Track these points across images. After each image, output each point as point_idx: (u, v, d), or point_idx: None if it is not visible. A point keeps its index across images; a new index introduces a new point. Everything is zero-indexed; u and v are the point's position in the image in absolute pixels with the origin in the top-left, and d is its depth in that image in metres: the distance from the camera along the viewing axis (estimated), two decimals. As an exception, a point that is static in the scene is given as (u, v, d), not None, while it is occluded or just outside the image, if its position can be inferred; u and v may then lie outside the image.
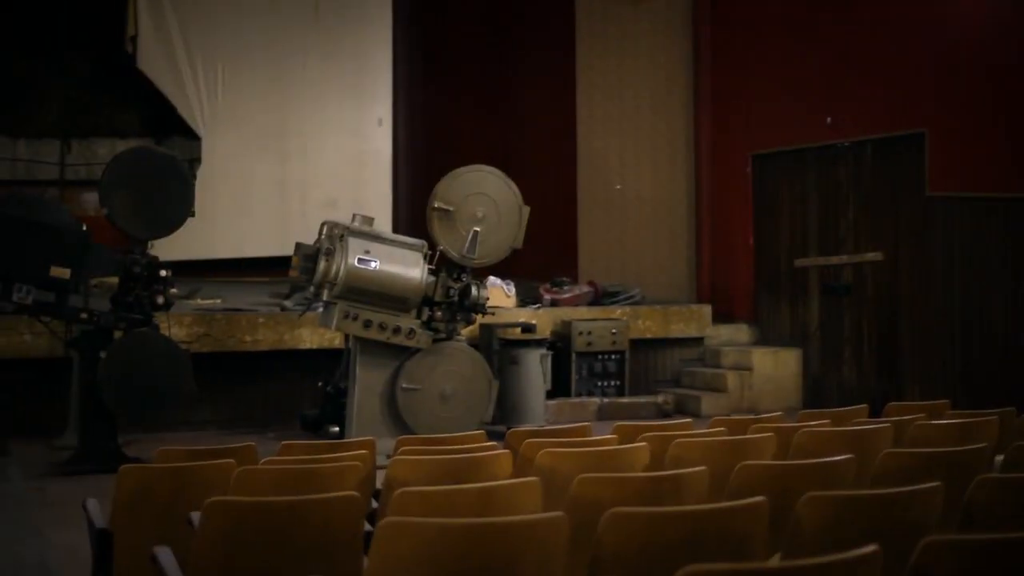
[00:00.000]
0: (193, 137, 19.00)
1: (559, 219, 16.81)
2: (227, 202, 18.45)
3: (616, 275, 16.97)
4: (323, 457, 6.14)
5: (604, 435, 7.22)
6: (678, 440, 6.32)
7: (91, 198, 18.79)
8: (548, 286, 15.54)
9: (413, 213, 19.28)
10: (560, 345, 14.16)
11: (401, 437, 7.32)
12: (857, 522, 4.40)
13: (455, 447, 6.61)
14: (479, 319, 12.06)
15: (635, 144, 17.38)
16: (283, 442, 6.98)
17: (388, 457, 7.31)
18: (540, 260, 15.30)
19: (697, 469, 5.32)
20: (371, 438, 7.09)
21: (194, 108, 18.92)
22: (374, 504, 6.09)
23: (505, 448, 6.71)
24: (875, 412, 8.69)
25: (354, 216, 11.41)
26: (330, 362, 12.91)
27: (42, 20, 18.95)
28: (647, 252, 17.24)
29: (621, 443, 6.76)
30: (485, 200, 11.71)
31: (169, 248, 11.40)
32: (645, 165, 17.32)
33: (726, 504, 4.26)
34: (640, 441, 6.44)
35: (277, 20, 19.46)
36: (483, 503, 4.82)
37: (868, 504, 4.48)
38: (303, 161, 19.59)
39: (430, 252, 11.48)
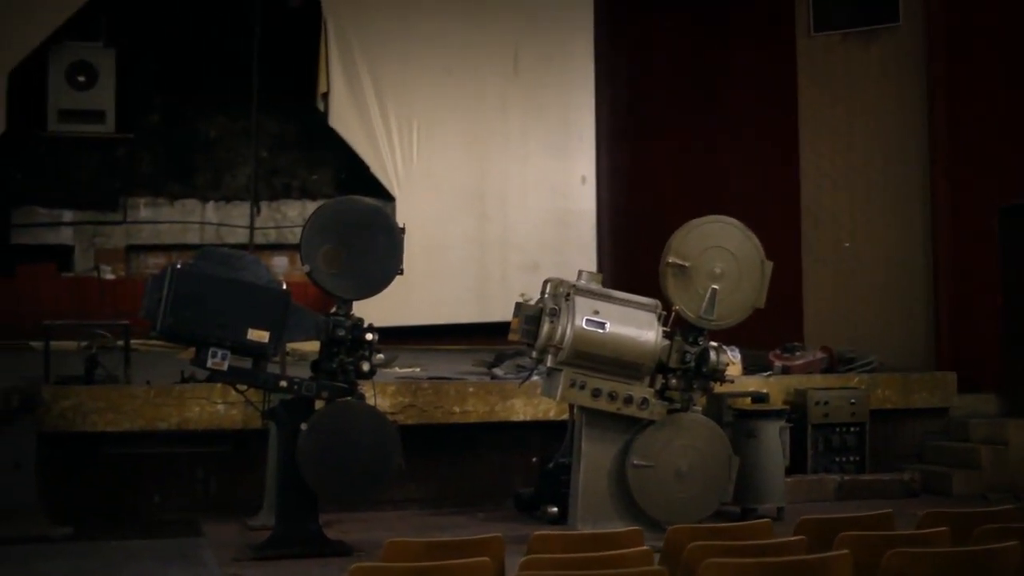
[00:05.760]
0: (387, 197, 18.48)
1: (782, 280, 15.44)
2: (423, 265, 17.55)
3: (845, 340, 15.54)
4: (602, 557, 4.97)
5: (912, 527, 5.94)
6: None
7: (280, 262, 18.55)
8: (778, 352, 14.27)
9: (618, 275, 18.23)
10: (794, 416, 12.83)
11: (672, 528, 6.10)
12: None
13: (758, 543, 5.33)
14: (716, 387, 10.82)
15: (865, 198, 16.02)
16: (534, 533, 5.94)
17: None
18: (762, 324, 13.97)
19: None
20: (638, 529, 5.95)
21: (388, 167, 18.59)
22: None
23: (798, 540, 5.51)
24: None
25: (580, 273, 10.37)
26: (544, 435, 12.12)
27: (231, 81, 18.63)
28: (879, 315, 15.82)
29: (956, 540, 5.44)
30: (724, 254, 10.58)
31: (362, 314, 10.41)
32: (876, 221, 15.93)
33: None
34: (994, 538, 5.09)
35: (474, 76, 19.13)
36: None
37: None
38: (502, 222, 19.02)
39: (664, 313, 10.30)
